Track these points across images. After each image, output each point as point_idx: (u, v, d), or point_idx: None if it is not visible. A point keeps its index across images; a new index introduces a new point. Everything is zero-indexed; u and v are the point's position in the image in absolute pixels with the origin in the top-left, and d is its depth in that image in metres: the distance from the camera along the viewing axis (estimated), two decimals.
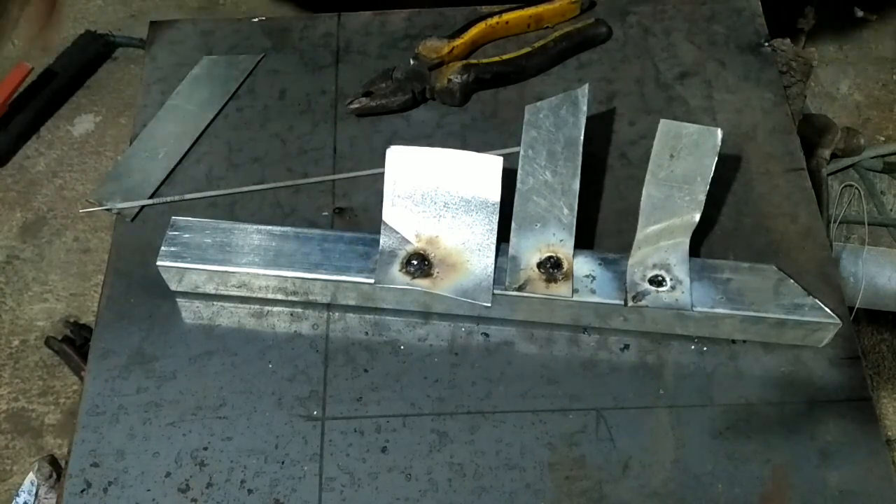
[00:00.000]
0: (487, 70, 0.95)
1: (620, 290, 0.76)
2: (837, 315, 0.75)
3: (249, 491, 0.72)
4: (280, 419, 0.76)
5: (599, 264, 0.78)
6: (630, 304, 0.76)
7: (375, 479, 0.73)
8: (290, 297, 0.81)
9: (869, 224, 1.55)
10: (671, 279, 0.77)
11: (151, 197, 0.90)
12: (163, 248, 0.79)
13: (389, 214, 0.79)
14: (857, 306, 1.34)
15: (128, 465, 0.74)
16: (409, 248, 0.79)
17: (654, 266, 0.77)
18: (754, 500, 0.71)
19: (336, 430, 0.75)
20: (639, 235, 0.78)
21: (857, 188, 1.59)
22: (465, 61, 0.96)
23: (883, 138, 1.70)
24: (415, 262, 0.78)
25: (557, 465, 0.73)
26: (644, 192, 0.78)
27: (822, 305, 0.75)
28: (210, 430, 0.75)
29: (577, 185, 0.79)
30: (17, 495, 1.28)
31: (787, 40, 1.00)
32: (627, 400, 0.76)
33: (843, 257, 1.37)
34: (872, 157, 1.61)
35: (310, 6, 1.84)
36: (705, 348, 0.79)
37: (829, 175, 1.54)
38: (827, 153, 1.48)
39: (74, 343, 1.41)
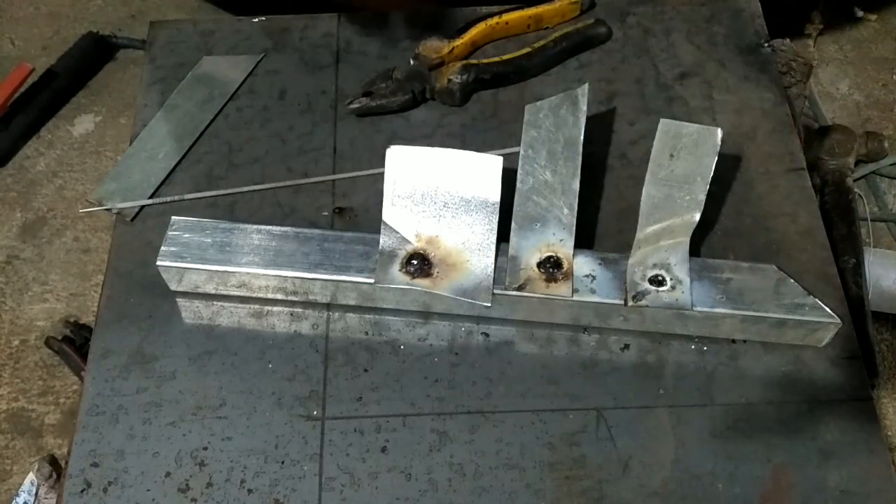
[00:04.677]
0: (487, 70, 0.95)
1: (620, 289, 0.77)
2: (838, 315, 0.75)
3: (249, 491, 0.72)
4: (280, 419, 0.76)
5: (599, 264, 0.78)
6: (630, 303, 0.76)
7: (375, 479, 0.73)
8: (290, 297, 0.81)
9: (871, 221, 1.55)
10: (671, 279, 0.77)
11: (151, 197, 0.90)
12: (163, 248, 0.79)
13: (389, 214, 0.79)
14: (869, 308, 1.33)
15: (128, 465, 0.74)
16: (409, 248, 0.79)
17: (654, 266, 0.77)
18: (754, 500, 0.71)
19: (336, 430, 0.75)
20: (639, 235, 0.78)
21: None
22: (465, 61, 0.96)
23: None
24: (415, 262, 0.78)
25: (557, 465, 0.73)
26: (644, 191, 0.78)
27: (823, 305, 0.75)
28: (210, 429, 0.75)
29: (577, 185, 0.79)
30: (17, 495, 1.28)
31: (787, 40, 1.00)
32: (627, 400, 0.76)
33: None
34: (891, 164, 1.61)
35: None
36: (705, 348, 0.79)
37: (855, 180, 1.53)
38: (851, 161, 1.47)
39: (74, 343, 1.41)
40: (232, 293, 0.81)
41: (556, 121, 0.82)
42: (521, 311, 0.79)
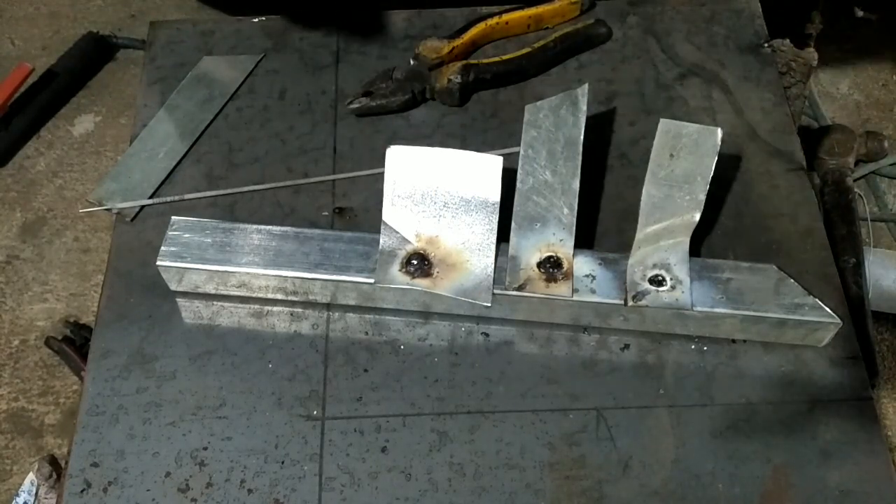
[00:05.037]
0: (487, 70, 0.95)
1: (620, 289, 0.77)
2: (838, 315, 0.75)
3: (249, 491, 0.72)
4: (280, 419, 0.76)
5: (599, 264, 0.78)
6: (630, 303, 0.76)
7: (375, 479, 0.73)
8: (290, 297, 0.81)
9: (871, 221, 1.55)
10: (671, 279, 0.77)
11: (151, 197, 0.90)
12: (163, 247, 0.79)
13: (389, 214, 0.79)
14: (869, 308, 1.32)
15: (128, 465, 0.74)
16: (409, 248, 0.79)
17: (654, 266, 0.77)
18: (754, 500, 0.71)
19: (336, 430, 0.75)
20: (639, 235, 0.78)
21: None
22: (465, 61, 0.96)
23: None
24: (415, 262, 0.78)
25: (557, 465, 0.73)
26: (644, 191, 0.78)
27: (823, 305, 0.75)
28: (210, 429, 0.75)
29: (576, 185, 0.79)
30: (17, 495, 1.28)
31: (787, 41, 1.00)
32: (627, 399, 0.76)
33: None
34: (891, 164, 1.61)
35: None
36: (705, 348, 0.79)
37: (855, 181, 1.53)
38: (851, 161, 1.47)
39: (74, 343, 1.41)
40: (232, 293, 0.81)
41: (556, 121, 0.82)
42: (521, 311, 0.79)
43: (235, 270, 0.79)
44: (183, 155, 0.93)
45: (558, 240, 0.79)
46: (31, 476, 1.29)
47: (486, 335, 0.80)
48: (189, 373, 0.78)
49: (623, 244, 0.80)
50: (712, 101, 0.95)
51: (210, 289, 0.81)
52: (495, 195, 0.77)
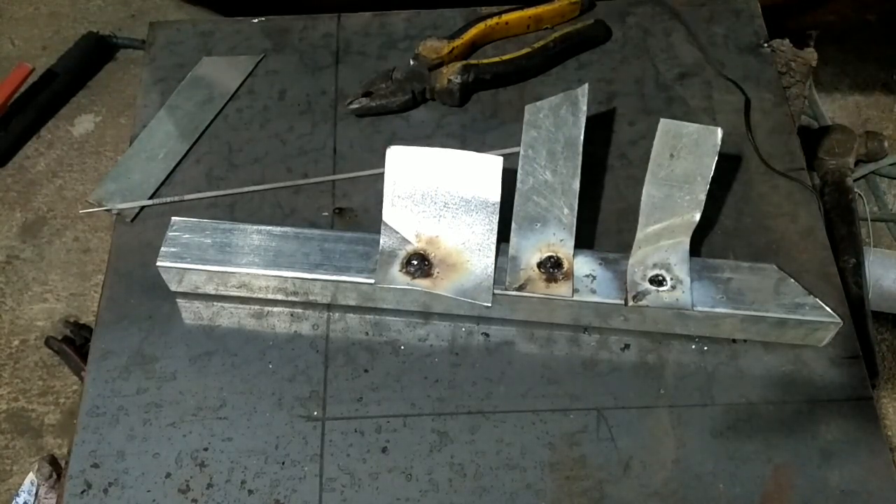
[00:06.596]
0: (487, 70, 0.95)
1: (621, 289, 0.77)
2: (838, 314, 0.75)
3: (250, 492, 0.72)
4: (280, 419, 0.76)
5: (600, 264, 0.78)
6: (630, 303, 0.76)
7: (376, 480, 0.73)
8: (290, 298, 0.81)
9: (871, 221, 1.55)
10: (671, 279, 0.77)
11: (151, 197, 0.90)
12: (163, 248, 0.79)
13: (389, 214, 0.79)
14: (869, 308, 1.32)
15: (128, 466, 0.74)
16: (409, 248, 0.79)
17: (655, 265, 0.77)
18: (755, 500, 0.71)
19: (336, 431, 0.75)
20: (639, 235, 0.78)
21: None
22: (464, 62, 0.96)
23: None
24: (415, 262, 0.78)
25: (558, 465, 0.73)
26: (644, 191, 0.78)
27: (823, 305, 0.75)
28: (210, 430, 0.75)
29: (577, 185, 0.79)
30: (17, 495, 1.28)
31: (787, 41, 1.00)
32: (628, 399, 0.76)
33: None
34: (891, 164, 1.61)
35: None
36: (706, 348, 0.79)
37: (855, 181, 1.52)
38: (851, 161, 1.47)
39: (74, 343, 1.41)
40: (232, 294, 0.81)
41: (556, 121, 0.82)
42: (522, 311, 0.79)
43: (235, 271, 0.79)
44: (183, 155, 0.93)
45: (558, 240, 0.79)
46: (31, 476, 1.29)
47: (487, 335, 0.80)
48: (189, 373, 0.78)
49: (623, 244, 0.80)
50: (712, 101, 0.95)
51: (210, 289, 0.81)
52: (495, 195, 0.77)
